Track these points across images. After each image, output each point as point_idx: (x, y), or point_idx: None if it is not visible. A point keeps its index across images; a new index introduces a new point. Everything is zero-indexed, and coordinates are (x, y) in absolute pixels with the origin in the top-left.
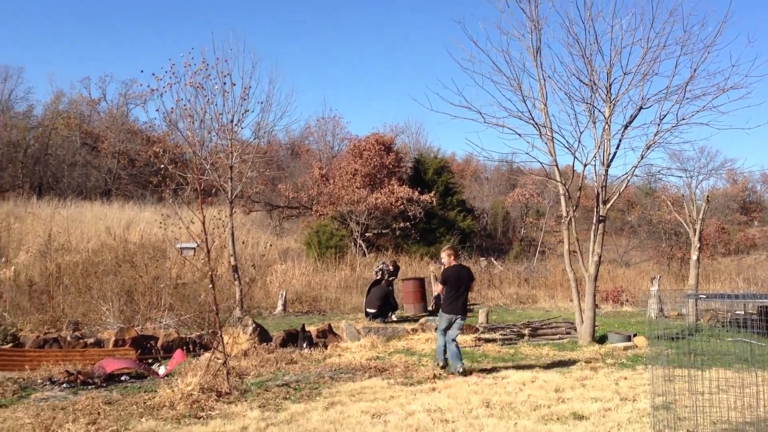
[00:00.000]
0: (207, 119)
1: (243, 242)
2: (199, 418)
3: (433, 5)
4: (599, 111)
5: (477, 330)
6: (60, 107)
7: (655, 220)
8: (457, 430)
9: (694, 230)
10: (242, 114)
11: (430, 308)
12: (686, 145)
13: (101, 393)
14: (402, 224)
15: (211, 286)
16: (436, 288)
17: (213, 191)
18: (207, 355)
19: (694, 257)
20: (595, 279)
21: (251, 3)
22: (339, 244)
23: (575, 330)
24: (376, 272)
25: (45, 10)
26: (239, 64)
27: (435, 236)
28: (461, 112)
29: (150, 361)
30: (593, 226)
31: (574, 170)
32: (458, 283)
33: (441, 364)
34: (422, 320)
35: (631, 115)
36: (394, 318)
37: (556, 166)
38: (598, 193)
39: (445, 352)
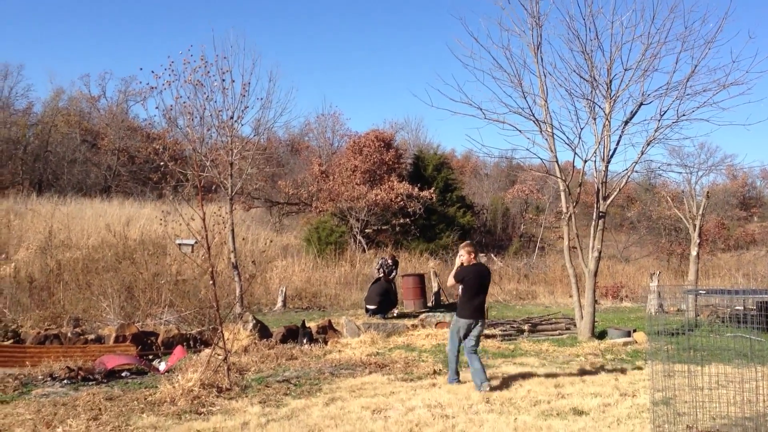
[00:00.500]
0: (207, 116)
1: (243, 239)
2: (200, 414)
3: (434, 2)
4: (599, 107)
5: None
6: (60, 104)
7: (655, 215)
8: (457, 425)
9: (694, 226)
10: (242, 111)
11: (430, 304)
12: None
13: (102, 389)
14: (402, 220)
15: (211, 282)
16: (436, 283)
17: (213, 188)
18: (207, 351)
19: (693, 253)
20: (595, 275)
21: (251, 0)
22: (339, 241)
23: (575, 326)
24: (377, 269)
25: (45, 8)
26: (239, 61)
27: (435, 232)
28: (462, 108)
29: (151, 357)
30: (593, 222)
31: (574, 166)
32: (479, 283)
33: (457, 378)
34: (422, 316)
35: (632, 111)
36: (394, 313)
37: (557, 162)
38: (598, 189)
39: (457, 362)
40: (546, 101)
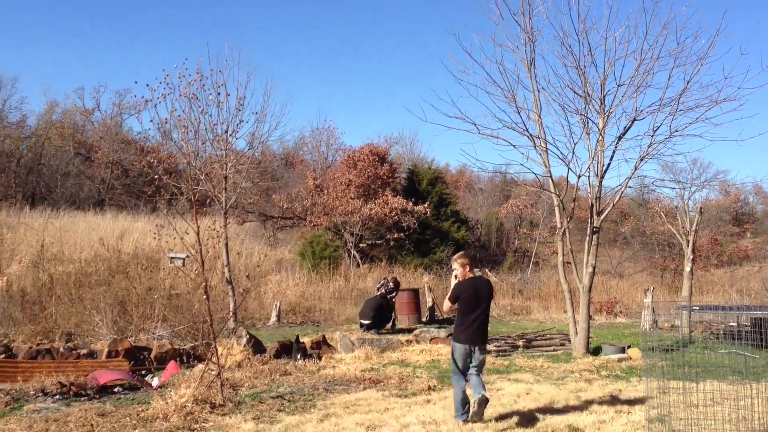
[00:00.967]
0: (201, 129)
1: (237, 253)
2: (193, 430)
3: (427, 17)
4: (593, 122)
5: None
6: (54, 117)
7: (649, 231)
8: None
9: (687, 241)
10: (237, 124)
11: (424, 319)
12: (679, 156)
13: (94, 405)
14: (396, 235)
15: (205, 296)
16: (431, 298)
17: (207, 201)
18: (201, 366)
19: (687, 268)
20: (589, 290)
21: (246, 14)
22: (333, 255)
23: (569, 341)
24: (377, 288)
25: (39, 21)
26: (234, 74)
27: (429, 247)
28: (456, 123)
29: (143, 372)
30: (587, 237)
31: (568, 181)
32: (476, 300)
33: (465, 414)
34: (416, 331)
35: (625, 127)
36: (388, 327)
37: (550, 177)
38: (592, 205)
39: (465, 402)
40: (540, 116)
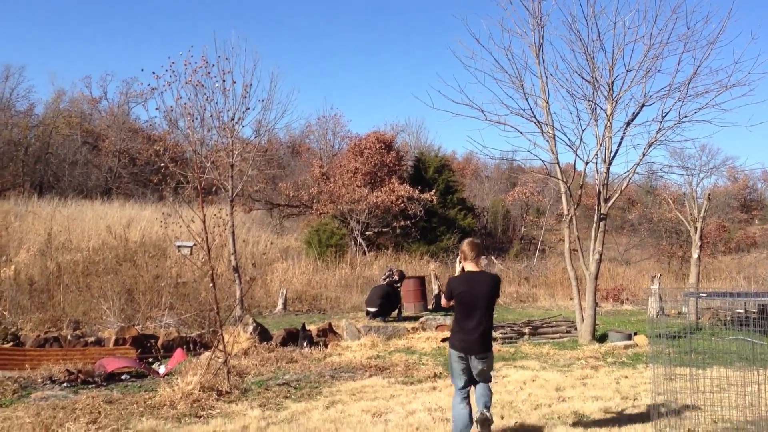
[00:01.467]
0: (207, 117)
1: (243, 241)
2: (200, 417)
3: (435, 3)
4: (601, 108)
5: None
6: (61, 106)
7: (656, 218)
8: None
9: (695, 228)
10: (243, 112)
11: (430, 307)
12: (688, 142)
13: (102, 392)
14: (402, 223)
15: (211, 284)
16: (437, 285)
17: (213, 189)
18: (207, 354)
19: (694, 255)
20: (596, 277)
21: (253, 2)
22: (339, 243)
23: (575, 329)
24: (383, 279)
25: (46, 9)
26: (241, 62)
27: (435, 235)
28: (462, 109)
29: (150, 360)
30: (594, 224)
31: (575, 168)
32: (472, 302)
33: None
34: (422, 319)
35: (633, 113)
36: (394, 315)
37: (558, 163)
38: (600, 191)
39: (470, 420)
40: (547, 102)
